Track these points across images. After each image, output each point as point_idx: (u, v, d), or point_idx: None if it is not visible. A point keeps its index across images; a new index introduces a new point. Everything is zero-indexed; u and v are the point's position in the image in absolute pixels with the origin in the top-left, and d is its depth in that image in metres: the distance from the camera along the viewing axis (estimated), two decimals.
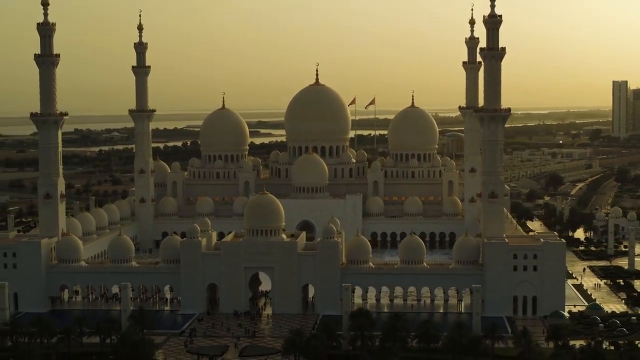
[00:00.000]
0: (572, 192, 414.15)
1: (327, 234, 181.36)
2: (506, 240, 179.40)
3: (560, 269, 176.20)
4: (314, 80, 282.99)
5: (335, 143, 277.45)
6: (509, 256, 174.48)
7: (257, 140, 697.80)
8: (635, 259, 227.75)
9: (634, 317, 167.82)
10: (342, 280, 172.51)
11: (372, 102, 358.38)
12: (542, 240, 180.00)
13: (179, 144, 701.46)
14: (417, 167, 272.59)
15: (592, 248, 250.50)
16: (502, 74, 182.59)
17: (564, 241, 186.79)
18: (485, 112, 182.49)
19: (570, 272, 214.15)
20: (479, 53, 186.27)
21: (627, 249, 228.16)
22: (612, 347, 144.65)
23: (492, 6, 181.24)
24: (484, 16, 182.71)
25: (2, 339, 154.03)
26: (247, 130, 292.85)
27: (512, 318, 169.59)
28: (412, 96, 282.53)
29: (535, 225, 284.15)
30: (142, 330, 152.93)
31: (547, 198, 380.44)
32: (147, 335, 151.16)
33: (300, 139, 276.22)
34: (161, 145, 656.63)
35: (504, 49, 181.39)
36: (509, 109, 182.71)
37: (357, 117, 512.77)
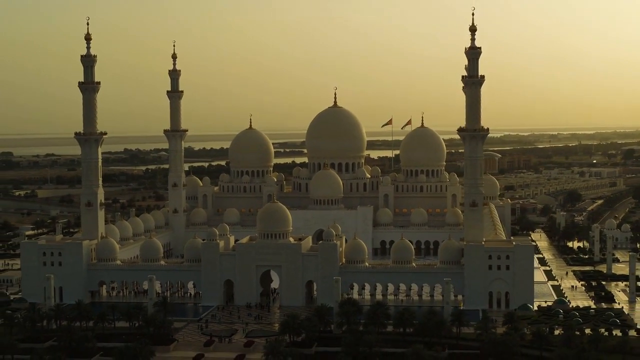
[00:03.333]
0: (589, 208, 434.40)
1: (327, 237, 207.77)
2: (483, 243, 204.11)
3: (529, 268, 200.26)
4: (333, 103, 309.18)
5: (351, 160, 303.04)
6: (485, 257, 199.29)
7: (299, 160, 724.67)
8: (619, 264, 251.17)
9: (593, 310, 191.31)
10: (341, 278, 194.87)
11: (409, 123, 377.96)
12: (514, 243, 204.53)
13: (223, 162, 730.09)
14: (425, 182, 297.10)
15: (582, 255, 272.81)
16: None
17: (533, 244, 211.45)
18: (467, 131, 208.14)
19: (554, 275, 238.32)
20: (462, 80, 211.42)
21: (613, 256, 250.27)
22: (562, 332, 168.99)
23: (473, 39, 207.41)
24: (465, 47, 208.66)
25: (48, 322, 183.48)
26: (272, 148, 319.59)
27: (487, 311, 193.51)
28: (422, 117, 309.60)
29: (537, 236, 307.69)
30: (164, 315, 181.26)
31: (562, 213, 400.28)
32: (170, 321, 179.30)
33: (319, 156, 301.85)
34: (205, 164, 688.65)
35: (483, 76, 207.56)
36: (487, 129, 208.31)
37: (394, 138, 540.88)
